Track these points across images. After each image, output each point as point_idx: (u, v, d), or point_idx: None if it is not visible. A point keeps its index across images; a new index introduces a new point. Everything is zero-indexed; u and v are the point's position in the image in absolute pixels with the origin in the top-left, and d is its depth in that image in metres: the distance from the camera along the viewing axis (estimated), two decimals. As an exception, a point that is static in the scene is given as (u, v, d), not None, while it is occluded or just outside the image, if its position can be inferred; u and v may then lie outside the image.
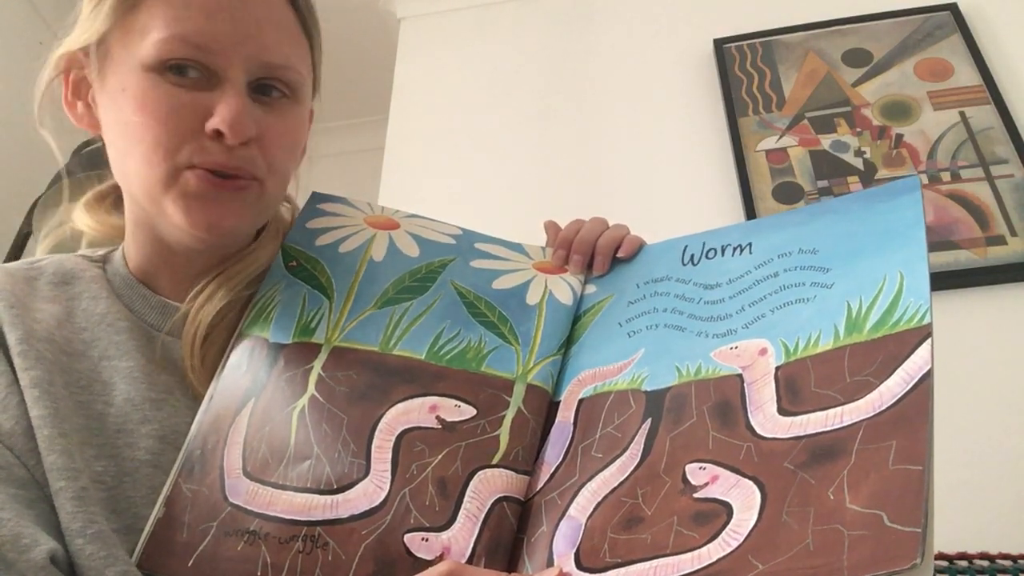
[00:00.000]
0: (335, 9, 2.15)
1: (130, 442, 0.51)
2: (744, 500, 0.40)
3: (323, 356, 0.54)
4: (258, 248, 0.61)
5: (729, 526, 0.39)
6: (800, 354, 0.45)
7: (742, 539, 0.38)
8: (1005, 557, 0.92)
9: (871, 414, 0.39)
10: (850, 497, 0.36)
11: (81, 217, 0.64)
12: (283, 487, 0.48)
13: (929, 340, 0.39)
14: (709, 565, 0.38)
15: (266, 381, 0.53)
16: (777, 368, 0.45)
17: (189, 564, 0.46)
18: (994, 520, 1.00)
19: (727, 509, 0.40)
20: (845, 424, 0.39)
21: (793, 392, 0.43)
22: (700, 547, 0.39)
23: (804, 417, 0.41)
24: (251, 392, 0.53)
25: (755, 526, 0.38)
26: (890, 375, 0.39)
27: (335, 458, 0.49)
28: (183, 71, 0.52)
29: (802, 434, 0.41)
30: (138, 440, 0.51)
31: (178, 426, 0.52)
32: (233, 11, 0.53)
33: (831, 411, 0.40)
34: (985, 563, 0.91)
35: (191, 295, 0.58)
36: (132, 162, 0.54)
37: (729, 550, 0.38)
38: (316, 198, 0.65)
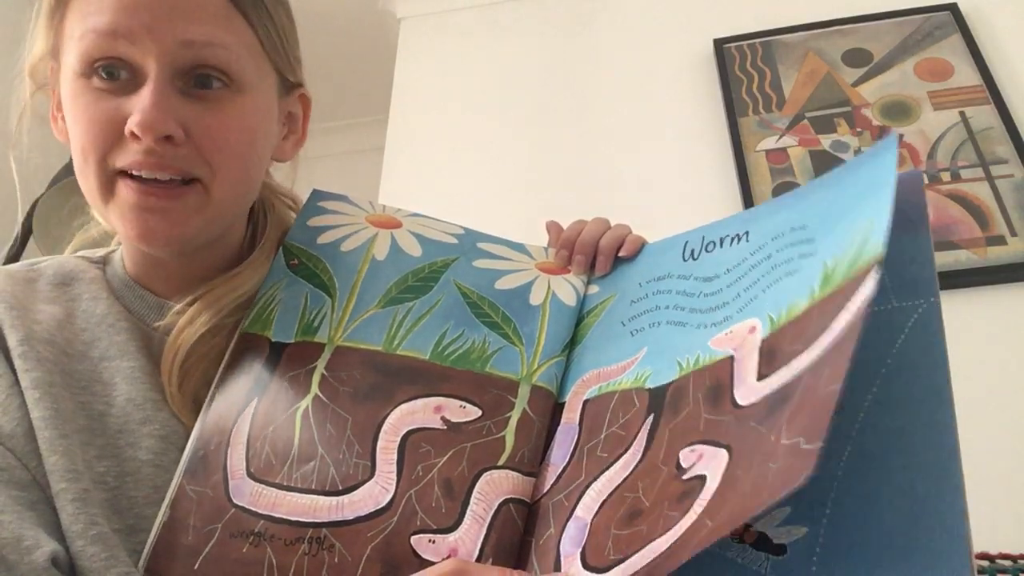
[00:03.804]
0: (335, 9, 2.15)
1: (132, 442, 0.51)
2: (715, 468, 0.40)
3: (326, 355, 0.54)
4: (248, 268, 0.59)
5: (699, 497, 0.39)
6: (782, 322, 0.44)
7: (704, 505, 0.38)
8: (1005, 557, 0.92)
9: (818, 353, 0.38)
10: (785, 434, 0.36)
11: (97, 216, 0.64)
12: (288, 488, 0.48)
13: (875, 269, 0.37)
14: (676, 540, 0.38)
15: (269, 381, 0.52)
16: (762, 341, 0.45)
17: (195, 567, 0.45)
18: (994, 520, 1.00)
19: (702, 481, 0.40)
20: (801, 369, 0.39)
21: (770, 357, 0.43)
22: (675, 525, 0.39)
23: (774, 376, 0.41)
24: (253, 392, 0.52)
25: (716, 490, 0.38)
26: (840, 312, 0.38)
27: (340, 459, 0.49)
28: (108, 73, 0.50)
29: (768, 392, 0.40)
30: (140, 440, 0.51)
31: (180, 426, 0.52)
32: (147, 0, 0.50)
33: (793, 363, 0.40)
34: (985, 563, 0.91)
35: (173, 312, 0.56)
36: (76, 172, 0.53)
37: (693, 519, 0.38)
38: (317, 196, 0.64)
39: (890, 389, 0.41)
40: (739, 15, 1.68)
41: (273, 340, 0.54)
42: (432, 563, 0.45)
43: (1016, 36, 1.50)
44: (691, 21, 1.71)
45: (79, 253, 0.63)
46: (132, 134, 0.49)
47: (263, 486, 0.48)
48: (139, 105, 0.49)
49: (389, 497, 0.47)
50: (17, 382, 0.51)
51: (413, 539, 0.46)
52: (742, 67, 1.61)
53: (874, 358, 0.43)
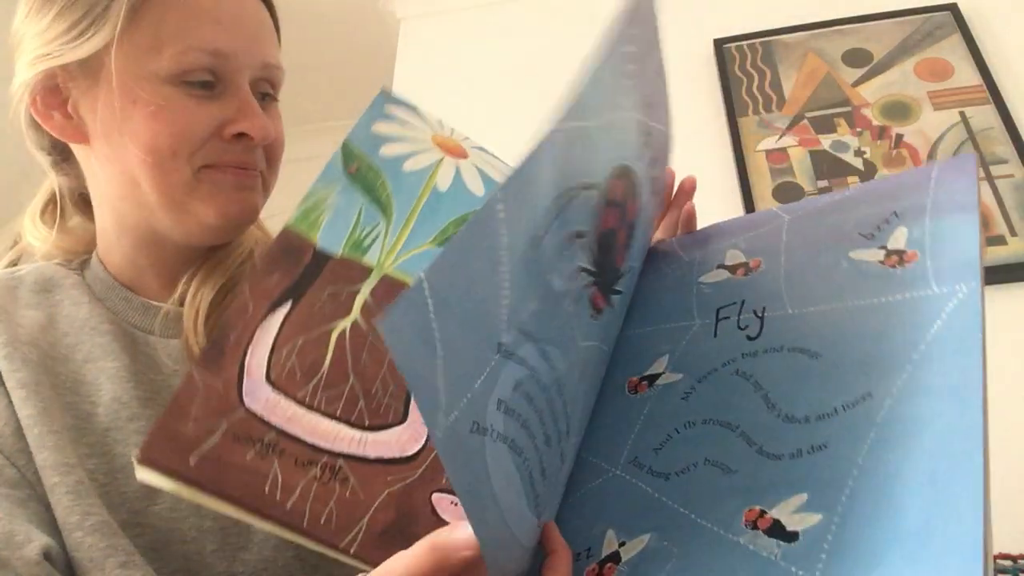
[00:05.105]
0: (335, 9, 2.15)
1: (120, 439, 0.52)
2: None
3: (372, 280, 0.49)
4: (237, 238, 0.63)
5: None
6: None
7: None
8: (1005, 557, 0.92)
9: None
10: None
11: (31, 231, 0.64)
12: (309, 407, 0.44)
13: None
14: None
15: (307, 288, 0.48)
16: None
17: (191, 463, 0.39)
18: (994, 520, 1.00)
19: None
20: None
21: None
22: None
23: None
24: (289, 295, 0.47)
25: None
26: None
27: (372, 393, 0.45)
28: (195, 83, 0.54)
29: None
30: (128, 437, 0.52)
31: None
32: (239, 19, 0.56)
33: None
34: (985, 563, 0.91)
35: (183, 281, 0.59)
36: (146, 170, 0.54)
37: None
38: (384, 98, 0.58)
39: (920, 376, 0.40)
40: (739, 15, 1.68)
41: (319, 247, 0.49)
42: (449, 524, 0.43)
43: (1016, 36, 1.50)
44: (691, 21, 1.71)
45: (57, 260, 0.63)
46: (238, 136, 0.56)
47: (281, 396, 0.44)
48: (250, 112, 0.56)
49: (417, 448, 0.44)
50: (3, 382, 0.52)
51: (434, 496, 0.43)
52: (742, 67, 1.61)
53: (905, 345, 0.41)
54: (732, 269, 0.55)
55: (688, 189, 0.66)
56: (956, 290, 0.42)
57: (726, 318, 0.51)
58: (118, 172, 0.56)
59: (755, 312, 0.50)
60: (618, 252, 0.50)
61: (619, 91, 0.48)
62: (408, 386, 0.31)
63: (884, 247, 0.48)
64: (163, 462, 0.38)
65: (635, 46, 0.49)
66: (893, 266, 0.46)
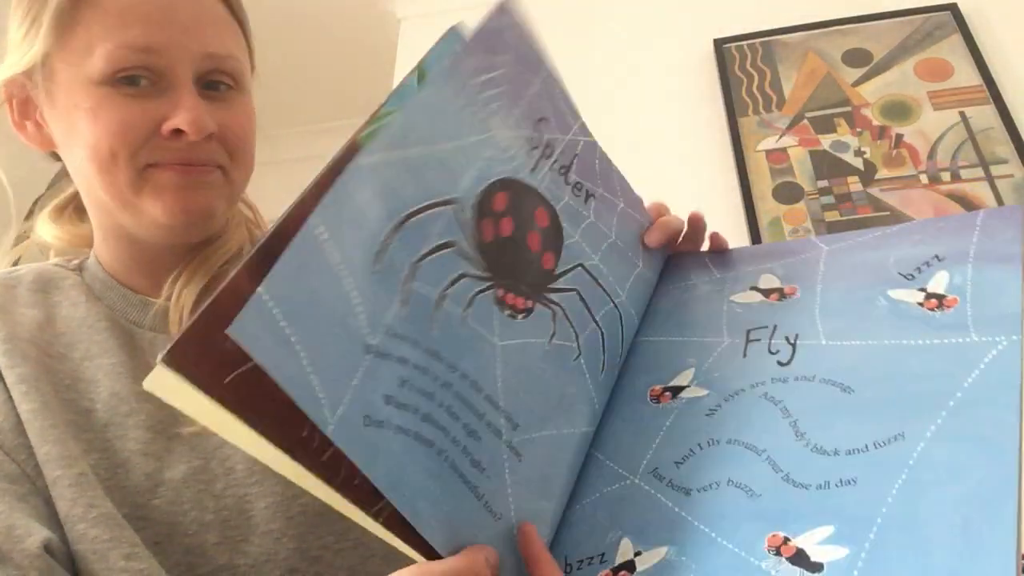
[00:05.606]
0: (335, 9, 2.15)
1: (120, 434, 0.52)
2: None
3: None
4: (225, 235, 0.62)
5: None
6: None
7: None
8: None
9: None
10: None
11: (46, 229, 0.65)
12: None
13: None
14: None
15: None
16: None
17: (226, 379, 0.33)
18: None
19: None
20: None
21: None
22: None
23: None
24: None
25: None
26: None
27: None
28: (133, 81, 0.53)
29: None
30: (127, 432, 0.52)
31: (167, 417, 0.53)
32: (170, 12, 0.54)
33: None
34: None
35: (168, 283, 0.59)
36: (94, 173, 0.54)
37: None
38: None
39: (956, 423, 0.40)
40: (739, 15, 1.68)
41: None
42: None
43: (1016, 36, 1.50)
44: (691, 21, 1.71)
45: (54, 260, 0.64)
46: (176, 132, 0.54)
47: None
48: (184, 108, 0.54)
49: None
50: (2, 378, 0.52)
51: None
52: (742, 67, 1.61)
53: (942, 390, 0.41)
54: (766, 292, 0.55)
55: (701, 227, 0.63)
56: (996, 341, 0.42)
57: (756, 340, 0.51)
58: (79, 176, 0.57)
59: (787, 338, 0.50)
60: (538, 254, 0.49)
61: (478, 118, 0.48)
62: (281, 385, 0.31)
63: (924, 289, 0.48)
64: (194, 370, 0.32)
65: (494, 72, 0.50)
66: (932, 309, 0.46)
